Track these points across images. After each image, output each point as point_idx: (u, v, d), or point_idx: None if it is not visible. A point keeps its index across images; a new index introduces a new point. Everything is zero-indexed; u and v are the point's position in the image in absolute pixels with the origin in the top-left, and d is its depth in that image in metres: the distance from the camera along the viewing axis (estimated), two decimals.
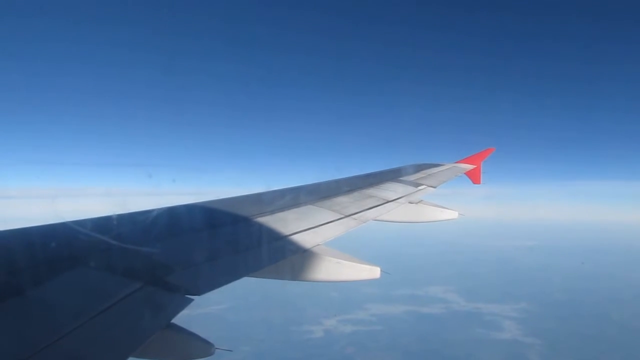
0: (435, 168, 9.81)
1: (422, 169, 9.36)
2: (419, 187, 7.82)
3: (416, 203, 7.10)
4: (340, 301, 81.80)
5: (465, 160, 10.85)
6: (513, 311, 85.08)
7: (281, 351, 64.19)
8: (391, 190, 7.29)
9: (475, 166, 10.52)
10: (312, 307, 76.67)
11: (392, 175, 8.24)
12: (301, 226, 4.96)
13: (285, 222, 4.99)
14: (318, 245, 4.67)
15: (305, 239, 4.69)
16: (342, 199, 6.28)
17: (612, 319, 79.28)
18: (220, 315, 69.77)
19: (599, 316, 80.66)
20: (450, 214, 7.23)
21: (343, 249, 4.82)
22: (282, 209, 5.39)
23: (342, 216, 5.59)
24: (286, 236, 4.67)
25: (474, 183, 10.09)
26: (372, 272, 4.65)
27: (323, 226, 5.15)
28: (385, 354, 64.82)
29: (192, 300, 3.18)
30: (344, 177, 7.74)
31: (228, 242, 4.54)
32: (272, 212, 5.21)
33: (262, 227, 4.79)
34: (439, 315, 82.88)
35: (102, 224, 4.18)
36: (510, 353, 66.32)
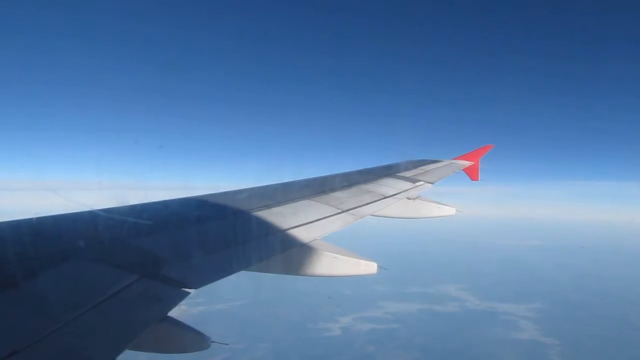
0: (433, 164, 9.84)
1: (420, 165, 9.39)
2: (417, 183, 7.84)
3: (414, 199, 7.15)
4: (353, 299, 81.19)
5: (463, 157, 10.89)
6: (528, 311, 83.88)
7: (301, 349, 63.44)
8: (389, 185, 7.32)
9: (473, 163, 10.57)
10: (326, 305, 76.40)
11: (390, 171, 8.29)
12: (298, 221, 4.94)
13: (281, 217, 4.96)
14: (315, 240, 4.66)
15: (302, 234, 4.67)
16: (340, 194, 6.29)
17: (630, 321, 77.73)
18: (233, 312, 69.60)
19: (616, 317, 79.20)
20: (448, 211, 7.33)
21: (341, 245, 4.81)
22: (279, 203, 5.37)
23: (340, 211, 5.58)
24: (283, 230, 4.65)
25: (472, 180, 10.16)
26: (368, 267, 4.66)
27: (320, 221, 5.13)
28: (405, 353, 64.00)
29: (189, 293, 3.17)
30: (341, 172, 7.76)
31: (224, 236, 4.54)
32: (269, 206, 5.21)
33: (258, 222, 4.78)
34: (454, 314, 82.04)
35: (98, 217, 4.20)
36: (531, 353, 65.34)
